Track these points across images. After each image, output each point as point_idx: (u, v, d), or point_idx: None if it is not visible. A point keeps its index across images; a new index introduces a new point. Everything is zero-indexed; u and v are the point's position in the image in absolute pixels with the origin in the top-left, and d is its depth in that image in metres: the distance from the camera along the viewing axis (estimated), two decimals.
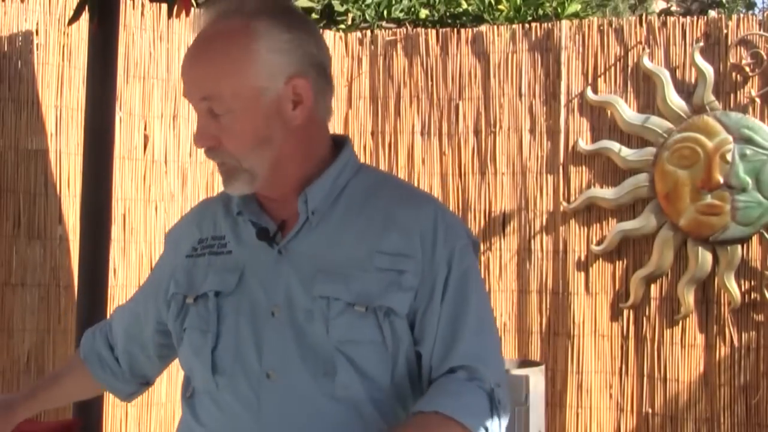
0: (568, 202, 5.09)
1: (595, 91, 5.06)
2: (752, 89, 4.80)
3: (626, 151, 4.95)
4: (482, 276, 5.19)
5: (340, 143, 1.71)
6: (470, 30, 5.45)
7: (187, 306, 1.67)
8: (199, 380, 1.67)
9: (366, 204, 1.65)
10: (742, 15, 6.04)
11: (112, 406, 4.40)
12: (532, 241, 5.17)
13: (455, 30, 5.45)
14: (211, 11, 1.61)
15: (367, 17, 6.97)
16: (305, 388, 1.58)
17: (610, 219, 5.03)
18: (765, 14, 4.91)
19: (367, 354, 1.58)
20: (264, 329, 1.60)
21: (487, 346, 1.61)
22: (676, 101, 4.86)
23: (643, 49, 4.97)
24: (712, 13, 5.94)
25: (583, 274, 5.08)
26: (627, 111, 4.96)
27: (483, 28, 5.53)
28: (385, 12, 7.12)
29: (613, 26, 5.10)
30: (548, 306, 5.14)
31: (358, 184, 1.68)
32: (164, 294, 1.74)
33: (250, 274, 1.64)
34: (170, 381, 4.67)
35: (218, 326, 1.63)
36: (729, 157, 4.71)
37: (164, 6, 4.81)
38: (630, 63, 5.01)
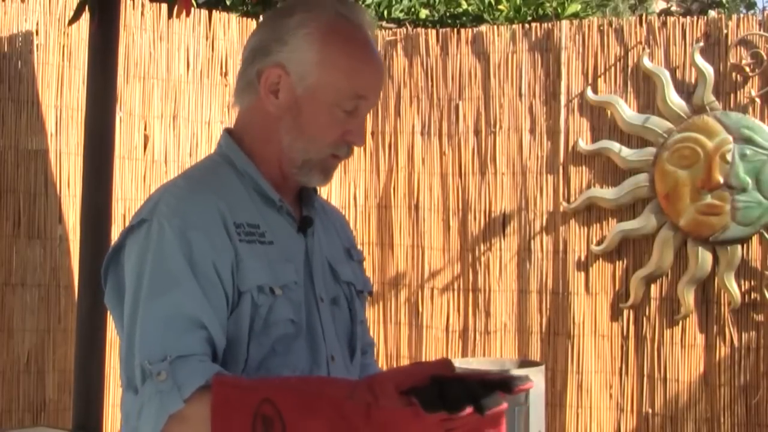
0: (568, 202, 5.09)
1: (595, 91, 5.05)
2: (752, 89, 4.79)
3: (626, 151, 4.95)
4: (482, 276, 5.26)
5: None
6: (470, 30, 5.45)
7: (276, 297, 1.58)
8: (288, 374, 1.58)
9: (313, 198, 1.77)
10: (742, 15, 6.04)
11: (112, 406, 4.40)
12: (532, 241, 5.17)
13: (455, 30, 5.45)
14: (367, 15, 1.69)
15: None
16: (345, 369, 1.70)
17: (610, 219, 5.03)
18: (765, 14, 4.91)
19: (362, 332, 1.80)
20: (322, 316, 1.67)
21: None
22: (676, 101, 4.86)
23: (643, 49, 4.96)
24: (712, 13, 5.93)
25: (583, 274, 5.07)
26: (627, 111, 4.96)
27: (483, 28, 5.53)
28: (385, 12, 7.12)
29: (613, 26, 5.10)
30: (548, 306, 5.14)
31: None
32: (231, 287, 1.54)
33: (297, 264, 1.65)
34: None
35: (306, 317, 1.64)
36: (729, 157, 4.71)
37: (164, 6, 4.81)
38: (630, 63, 5.01)
